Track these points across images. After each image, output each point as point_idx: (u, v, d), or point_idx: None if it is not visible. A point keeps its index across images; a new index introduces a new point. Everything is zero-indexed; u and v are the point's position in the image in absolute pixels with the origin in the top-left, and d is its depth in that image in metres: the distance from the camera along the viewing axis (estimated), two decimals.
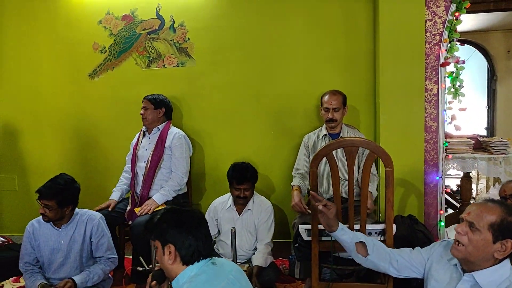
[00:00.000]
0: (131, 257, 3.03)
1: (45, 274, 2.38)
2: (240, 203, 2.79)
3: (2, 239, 3.36)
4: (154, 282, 1.51)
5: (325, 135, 2.86)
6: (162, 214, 1.46)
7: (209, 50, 3.34)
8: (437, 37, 2.87)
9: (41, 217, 2.37)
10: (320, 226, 2.02)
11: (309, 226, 2.10)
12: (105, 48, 3.48)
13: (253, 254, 2.74)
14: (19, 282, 2.95)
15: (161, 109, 3.05)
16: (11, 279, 2.99)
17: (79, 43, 3.50)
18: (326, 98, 2.81)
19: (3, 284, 2.95)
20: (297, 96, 3.26)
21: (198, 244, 1.40)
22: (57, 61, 3.55)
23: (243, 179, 2.72)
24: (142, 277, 2.73)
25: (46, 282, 2.27)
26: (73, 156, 3.59)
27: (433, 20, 2.86)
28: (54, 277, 2.35)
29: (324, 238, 2.07)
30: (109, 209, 2.89)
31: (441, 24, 2.86)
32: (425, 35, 2.86)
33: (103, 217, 2.54)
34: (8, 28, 3.59)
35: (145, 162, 2.98)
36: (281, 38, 3.25)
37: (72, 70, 3.54)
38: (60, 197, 2.28)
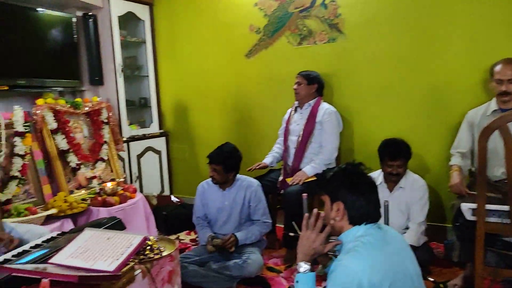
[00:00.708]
0: (281, 225, 3.23)
1: (212, 229, 2.73)
2: (392, 180, 2.72)
3: (176, 199, 3.94)
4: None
5: (495, 110, 2.55)
6: (336, 172, 1.50)
7: (361, 24, 3.27)
8: None
9: (210, 179, 2.71)
10: (488, 206, 1.85)
11: (474, 205, 1.94)
12: (259, 29, 3.70)
13: (404, 233, 2.65)
14: (190, 235, 3.44)
15: (313, 85, 3.13)
16: (184, 232, 3.51)
17: (237, 25, 3.81)
18: (498, 68, 2.50)
19: (179, 235, 3.48)
20: (459, 69, 2.96)
21: (369, 208, 1.41)
22: (219, 43, 3.93)
23: (396, 154, 2.63)
24: (293, 242, 2.92)
25: (214, 235, 2.60)
26: (232, 129, 3.96)
27: None
28: (219, 232, 2.67)
29: (492, 220, 1.88)
30: (257, 168, 3.16)
31: None
32: None
33: (260, 184, 2.77)
34: (180, 16, 4.10)
35: (296, 136, 3.12)
36: (440, 4, 2.98)
37: (231, 50, 3.88)
38: (226, 162, 2.58)
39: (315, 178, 2.95)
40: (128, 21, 3.98)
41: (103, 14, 3.64)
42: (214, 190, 2.73)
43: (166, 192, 4.31)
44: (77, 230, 1.92)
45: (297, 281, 1.44)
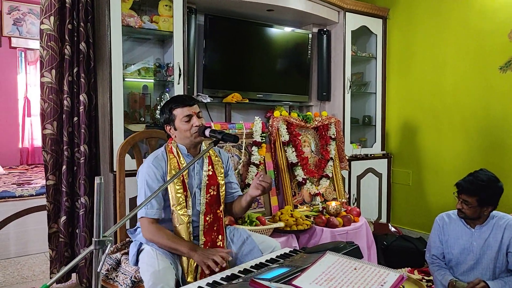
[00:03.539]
0: None
1: (452, 272, 2.24)
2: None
3: (394, 229, 3.54)
4: None
5: None
6: None
7: None
8: None
9: (452, 211, 2.26)
10: None
11: None
12: None
13: None
14: (414, 273, 2.97)
15: None
16: (406, 269, 3.04)
17: (491, 34, 3.20)
18: None
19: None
20: None
21: None
22: (464, 55, 3.39)
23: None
24: None
25: (457, 280, 2.12)
26: (473, 156, 3.32)
27: None
28: (462, 279, 2.17)
29: None
30: None
31: None
32: None
33: None
34: (418, 27, 3.72)
35: None
36: None
37: (479, 63, 3.29)
38: (482, 195, 2.08)
39: None
40: (359, 36, 3.87)
41: (337, 29, 3.60)
42: (459, 225, 2.25)
43: (383, 219, 3.95)
44: (314, 251, 1.79)
45: None
